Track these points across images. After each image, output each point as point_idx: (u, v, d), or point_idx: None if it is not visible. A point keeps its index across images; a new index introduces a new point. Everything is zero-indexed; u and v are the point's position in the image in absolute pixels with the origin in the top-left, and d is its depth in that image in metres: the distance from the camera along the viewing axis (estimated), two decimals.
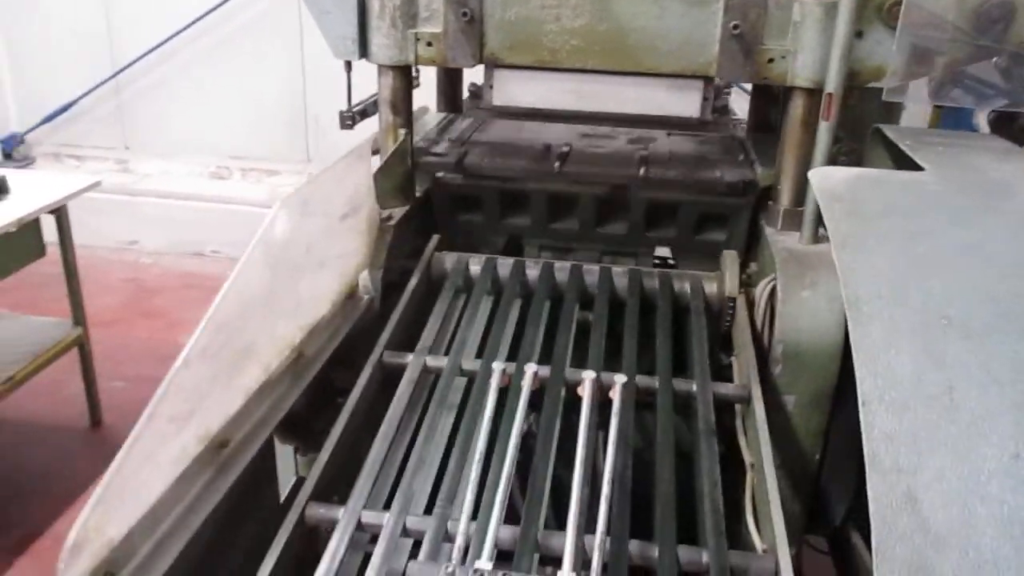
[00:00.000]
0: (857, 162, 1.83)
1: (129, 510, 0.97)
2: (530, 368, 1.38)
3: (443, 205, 2.03)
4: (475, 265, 1.83)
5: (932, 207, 1.24)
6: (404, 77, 1.87)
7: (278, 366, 1.35)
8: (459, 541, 1.10)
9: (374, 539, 1.16)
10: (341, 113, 1.92)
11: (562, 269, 1.81)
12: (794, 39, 1.69)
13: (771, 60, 1.72)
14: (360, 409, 1.42)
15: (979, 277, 1.09)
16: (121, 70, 5.17)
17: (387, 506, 1.19)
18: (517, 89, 1.86)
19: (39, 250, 3.08)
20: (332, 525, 1.17)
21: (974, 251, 1.14)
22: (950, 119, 2.57)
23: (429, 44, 1.79)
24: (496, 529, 1.12)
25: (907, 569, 0.84)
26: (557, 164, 1.89)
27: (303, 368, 1.43)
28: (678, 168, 1.94)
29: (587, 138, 2.20)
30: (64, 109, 5.24)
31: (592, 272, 1.79)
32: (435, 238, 1.91)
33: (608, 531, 1.12)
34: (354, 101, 2.00)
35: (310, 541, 1.19)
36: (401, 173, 1.90)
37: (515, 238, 2.11)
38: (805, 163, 1.74)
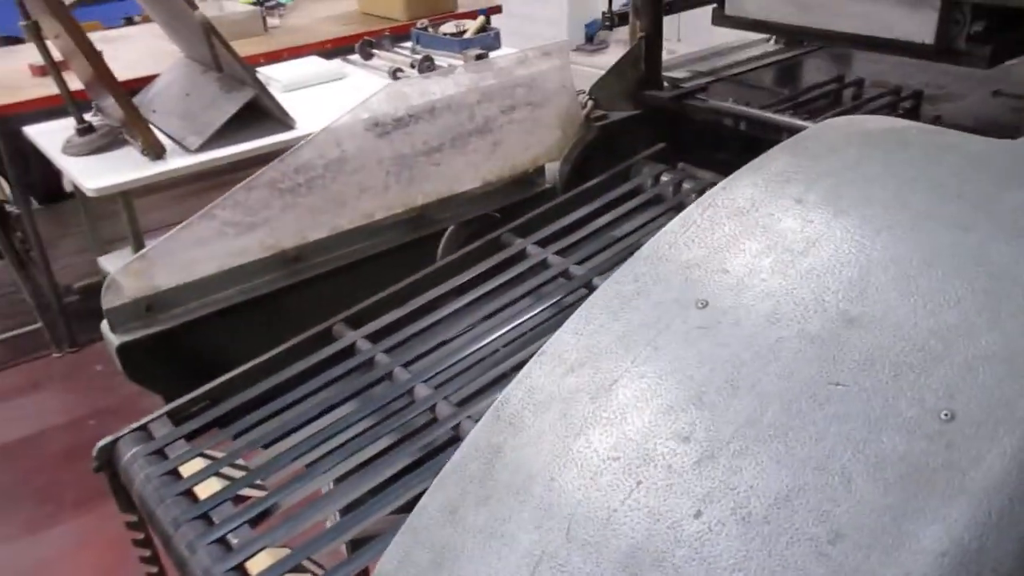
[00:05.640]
0: None
1: (176, 272, 1.45)
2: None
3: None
4: (667, 176, 1.81)
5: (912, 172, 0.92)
6: None
7: (386, 216, 1.66)
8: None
9: None
10: (603, 13, 2.02)
11: None
12: None
13: None
14: (448, 271, 1.64)
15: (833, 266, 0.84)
16: None
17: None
18: (747, 1, 1.71)
19: None
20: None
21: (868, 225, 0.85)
22: None
23: None
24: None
25: (442, 510, 0.84)
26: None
27: (423, 226, 1.72)
28: None
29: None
30: None
31: None
32: (658, 146, 1.92)
33: None
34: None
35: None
36: (632, 78, 1.93)
37: None
38: None
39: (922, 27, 1.46)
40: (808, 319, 0.80)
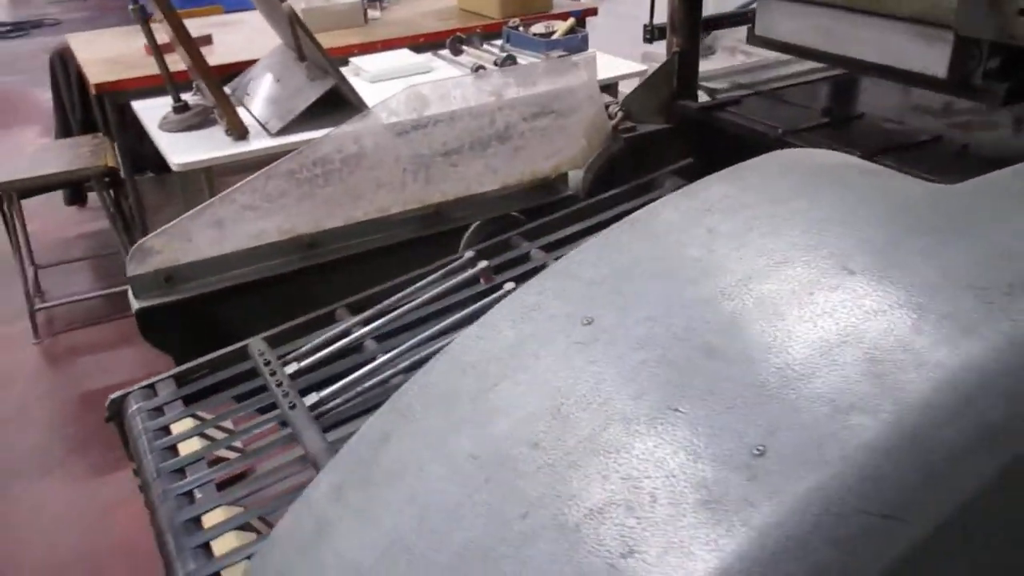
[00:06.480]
0: None
1: (195, 248, 1.58)
2: None
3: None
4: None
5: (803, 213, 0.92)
6: None
7: (402, 210, 1.75)
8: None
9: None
10: (644, 27, 2.03)
11: None
12: None
13: (1022, 11, 1.24)
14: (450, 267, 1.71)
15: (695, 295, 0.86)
16: None
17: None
18: (776, 22, 1.70)
19: None
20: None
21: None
22: None
23: None
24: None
25: (332, 486, 0.92)
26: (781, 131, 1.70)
27: (440, 222, 1.79)
28: None
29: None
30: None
31: None
32: (685, 161, 1.93)
33: None
34: None
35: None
36: (665, 92, 1.94)
37: None
38: None
39: (936, 61, 1.42)
40: (673, 346, 0.83)
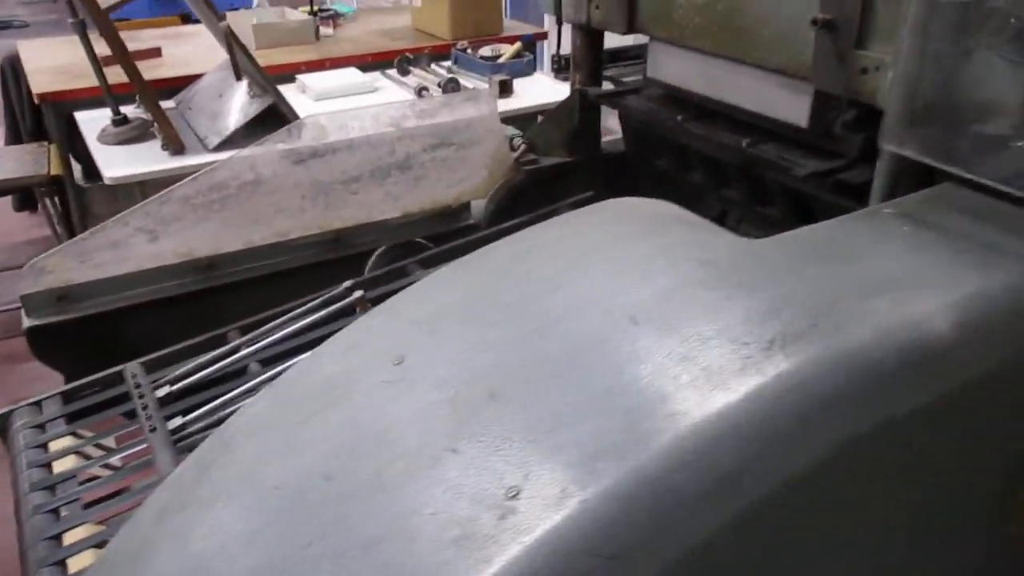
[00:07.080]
0: None
1: (89, 269, 1.62)
2: None
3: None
4: None
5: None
6: (585, 36, 1.95)
7: (301, 235, 1.79)
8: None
9: None
10: (552, 56, 2.10)
11: None
12: (897, 46, 1.26)
13: (864, 71, 1.32)
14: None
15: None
16: None
17: None
18: (663, 63, 1.77)
19: None
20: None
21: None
22: None
23: (597, 7, 1.84)
24: None
25: (156, 510, 0.97)
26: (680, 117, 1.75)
27: (341, 248, 1.84)
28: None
29: None
30: None
31: None
32: (586, 194, 1.99)
33: None
34: None
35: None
36: (566, 126, 2.01)
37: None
38: None
39: (799, 111, 1.49)
40: (463, 389, 0.88)
